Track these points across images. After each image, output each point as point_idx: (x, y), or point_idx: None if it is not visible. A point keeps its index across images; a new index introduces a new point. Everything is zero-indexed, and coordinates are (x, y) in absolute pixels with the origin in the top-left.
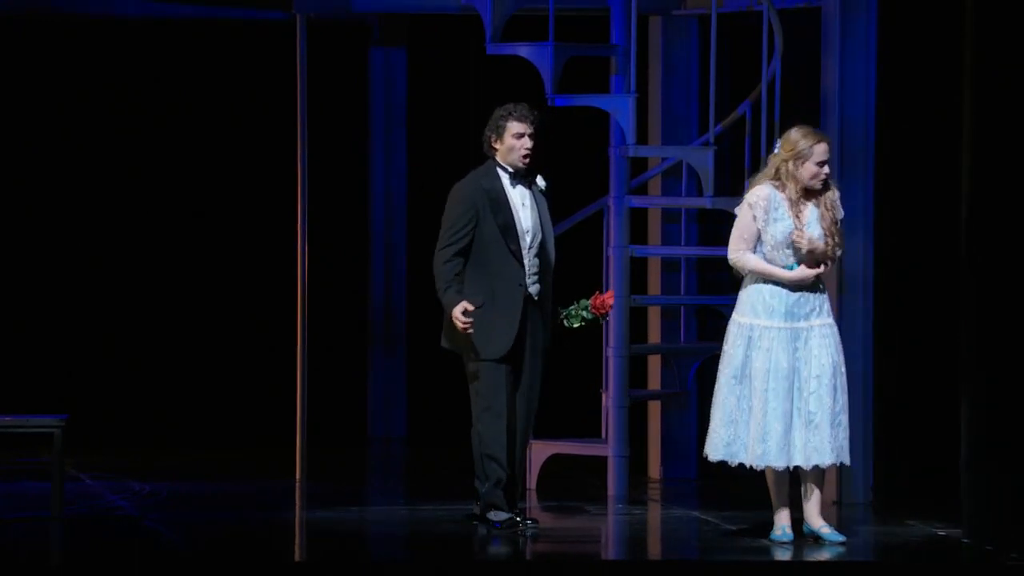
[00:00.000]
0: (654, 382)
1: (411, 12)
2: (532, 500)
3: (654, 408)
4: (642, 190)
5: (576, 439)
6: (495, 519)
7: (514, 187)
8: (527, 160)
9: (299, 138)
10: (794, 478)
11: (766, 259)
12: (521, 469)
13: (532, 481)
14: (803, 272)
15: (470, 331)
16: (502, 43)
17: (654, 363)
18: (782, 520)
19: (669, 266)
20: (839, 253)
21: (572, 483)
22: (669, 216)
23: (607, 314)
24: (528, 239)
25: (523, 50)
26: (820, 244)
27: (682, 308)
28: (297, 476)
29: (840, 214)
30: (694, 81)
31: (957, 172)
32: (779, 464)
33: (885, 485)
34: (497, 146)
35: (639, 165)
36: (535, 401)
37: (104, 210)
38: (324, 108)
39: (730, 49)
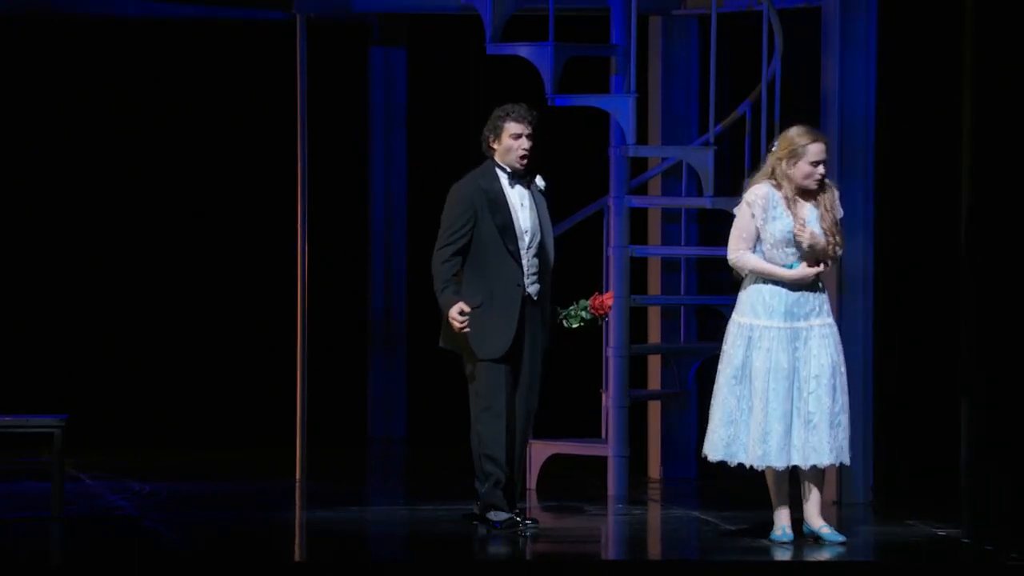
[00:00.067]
0: (654, 382)
1: (411, 12)
2: (532, 500)
3: (654, 408)
4: (642, 190)
5: (576, 439)
6: (495, 519)
7: (513, 187)
8: (525, 160)
9: (299, 138)
10: (794, 478)
11: (765, 258)
12: (521, 469)
13: (532, 481)
14: (803, 271)
15: (466, 331)
16: (502, 43)
17: (654, 363)
18: (782, 520)
19: (669, 266)
20: (839, 252)
21: (572, 483)
22: (669, 216)
23: (606, 315)
24: (527, 239)
25: (523, 50)
26: (821, 240)
27: (682, 308)
28: (297, 476)
29: (840, 213)
30: (694, 81)
31: (957, 172)
32: (779, 464)
33: (885, 485)
34: (495, 146)
35: (639, 165)
36: (535, 401)
37: (104, 210)
38: (324, 108)
39: (730, 49)
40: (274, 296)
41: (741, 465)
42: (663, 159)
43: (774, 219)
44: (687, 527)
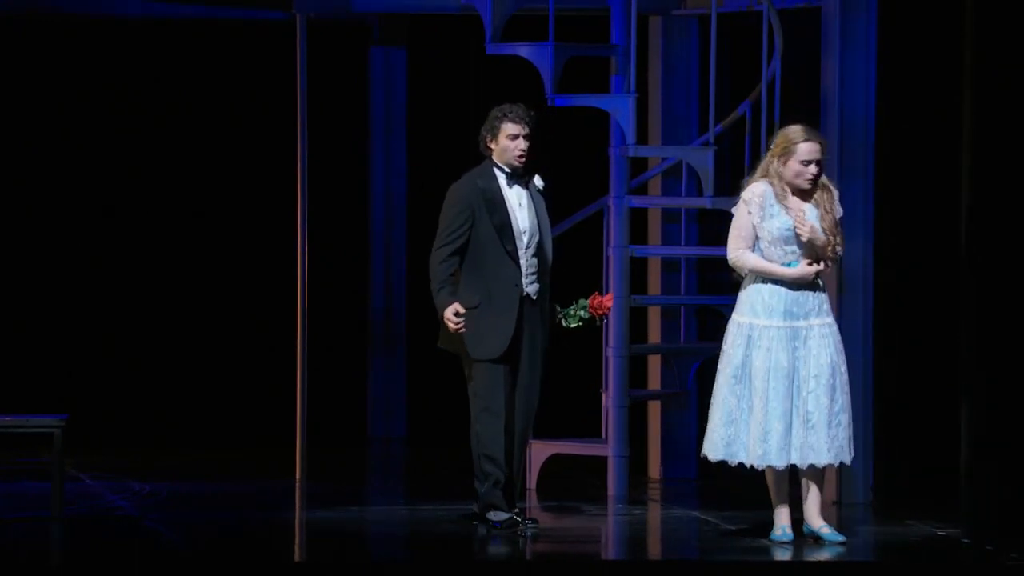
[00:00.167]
0: (654, 382)
1: (411, 12)
2: (532, 500)
3: (654, 408)
4: (642, 190)
5: (576, 439)
6: (495, 519)
7: (511, 187)
8: (522, 160)
9: (299, 138)
10: (794, 478)
11: (764, 256)
12: (521, 469)
13: (532, 481)
14: (803, 269)
15: (462, 331)
16: (502, 43)
17: (654, 363)
18: (782, 520)
19: (669, 266)
20: (840, 252)
21: (572, 483)
22: (669, 216)
23: (605, 315)
24: (525, 239)
25: (523, 50)
26: (821, 236)
27: (682, 308)
28: (297, 476)
29: (839, 213)
30: (694, 81)
31: (957, 172)
32: (779, 463)
33: (885, 485)
34: (492, 146)
35: (639, 165)
36: (534, 400)
37: (104, 210)
38: (324, 108)
39: (730, 49)
40: (274, 296)
41: (741, 465)
42: (663, 159)
43: (771, 216)
44: (687, 527)
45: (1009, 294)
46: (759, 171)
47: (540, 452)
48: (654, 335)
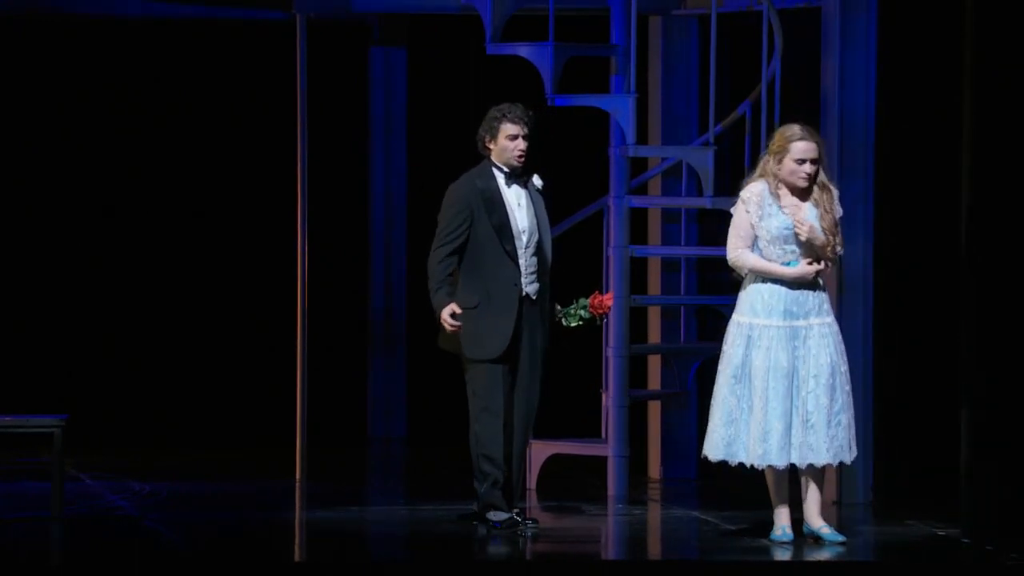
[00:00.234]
0: (654, 382)
1: (411, 12)
2: (532, 500)
3: (654, 408)
4: (642, 190)
5: (576, 439)
6: (495, 519)
7: (509, 187)
8: (521, 160)
9: (299, 138)
10: (794, 478)
11: (763, 255)
12: (521, 469)
13: (532, 481)
14: (803, 269)
15: (458, 332)
16: (502, 43)
17: (654, 363)
18: (782, 520)
19: (669, 266)
20: (840, 252)
21: (572, 483)
22: (669, 216)
23: (605, 315)
24: (524, 239)
25: (523, 50)
26: (820, 236)
27: (682, 308)
28: (297, 476)
29: (839, 213)
30: (694, 81)
31: (957, 172)
32: (779, 463)
33: (885, 485)
34: (491, 146)
35: (639, 165)
36: (535, 400)
37: (104, 210)
38: (324, 108)
39: (730, 49)
40: (274, 296)
41: (741, 465)
42: (663, 159)
43: (769, 216)
44: (687, 527)
45: (1009, 294)
46: (758, 170)
47: (540, 452)
48: (654, 335)
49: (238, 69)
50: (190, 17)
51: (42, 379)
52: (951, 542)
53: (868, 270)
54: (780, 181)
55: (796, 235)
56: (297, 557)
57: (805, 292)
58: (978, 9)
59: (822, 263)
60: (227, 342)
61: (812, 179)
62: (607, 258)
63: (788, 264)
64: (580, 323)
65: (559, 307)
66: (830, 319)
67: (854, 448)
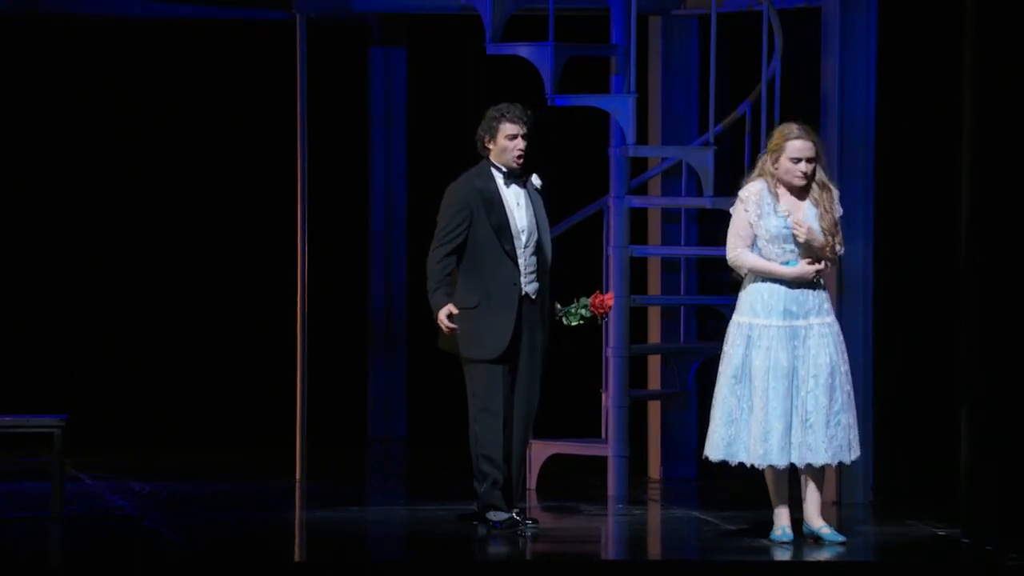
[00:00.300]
0: (654, 382)
1: (411, 12)
2: (532, 500)
3: (654, 408)
4: (642, 190)
5: (576, 439)
6: (495, 519)
7: (508, 187)
8: (521, 160)
9: (299, 138)
10: (794, 478)
11: (762, 255)
12: (521, 469)
13: (532, 481)
14: (803, 268)
15: (455, 333)
16: (502, 43)
17: (654, 363)
18: (782, 520)
19: (669, 266)
20: (840, 252)
21: (572, 483)
22: (669, 216)
23: (606, 314)
24: (524, 238)
25: (523, 50)
26: (819, 237)
27: (682, 308)
28: (297, 476)
29: (839, 212)
30: (694, 81)
31: (957, 172)
32: (780, 463)
33: (885, 485)
34: (490, 147)
35: (639, 165)
36: (535, 400)
37: (104, 210)
38: (324, 108)
39: (730, 49)
40: (274, 296)
41: (742, 464)
42: (663, 159)
43: (768, 215)
44: (687, 527)
45: (1009, 294)
46: (756, 170)
47: (540, 452)
48: (654, 335)
49: (238, 69)
50: (190, 17)
51: (42, 379)
52: (951, 542)
53: (868, 270)
54: (778, 180)
55: (795, 235)
56: (297, 557)
57: (805, 292)
58: (978, 9)
59: (822, 263)
60: (227, 342)
61: (809, 178)
62: (607, 258)
63: (787, 264)
64: (581, 322)
65: (559, 306)
66: (830, 319)
67: (856, 448)
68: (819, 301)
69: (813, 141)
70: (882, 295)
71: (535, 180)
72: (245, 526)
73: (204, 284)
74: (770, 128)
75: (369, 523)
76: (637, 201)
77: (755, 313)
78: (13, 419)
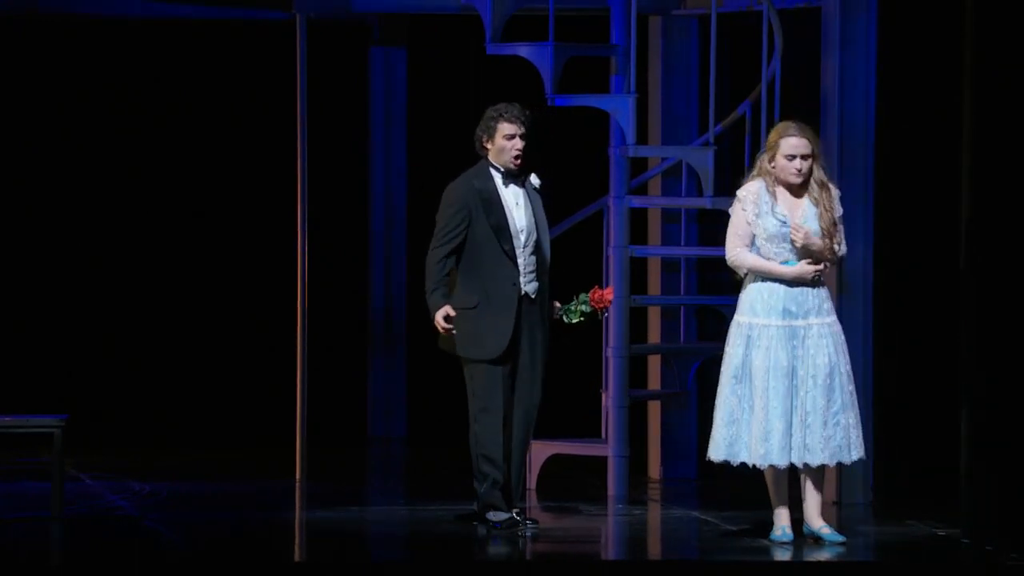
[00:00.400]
0: (654, 382)
1: (411, 12)
2: (532, 500)
3: (654, 408)
4: (642, 190)
5: (576, 439)
6: (495, 519)
7: (507, 187)
8: (519, 161)
9: (299, 138)
10: (794, 478)
11: (761, 254)
12: (521, 469)
13: (532, 481)
14: (802, 268)
15: (453, 333)
16: (502, 43)
17: (654, 363)
18: (782, 520)
19: (669, 266)
20: (839, 251)
21: (572, 483)
22: (669, 216)
23: (606, 309)
24: (523, 238)
25: (523, 50)
26: (817, 241)
27: (682, 308)
28: (297, 476)
29: (839, 212)
30: (694, 81)
31: (957, 172)
32: (780, 463)
33: (885, 485)
34: (488, 146)
35: (639, 165)
36: (536, 400)
37: (104, 210)
38: (324, 108)
39: (730, 49)
40: (274, 296)
41: (743, 464)
42: (663, 159)
43: (766, 214)
44: (687, 527)
45: (1009, 294)
46: (755, 169)
47: (540, 452)
48: (654, 335)
49: (238, 69)
50: (190, 17)
51: (42, 379)
52: (951, 542)
53: (868, 270)
54: (776, 179)
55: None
56: (297, 557)
57: (805, 292)
58: (978, 9)
59: (821, 263)
60: (227, 342)
61: (805, 176)
62: (607, 258)
63: (787, 263)
64: (581, 319)
65: (559, 305)
66: (831, 319)
67: (857, 449)
68: (819, 301)
69: (808, 138)
70: (882, 295)
71: (534, 180)
72: (245, 526)
73: (204, 284)
74: (770, 128)
75: (369, 523)
76: (637, 201)
77: (755, 313)
78: (13, 419)
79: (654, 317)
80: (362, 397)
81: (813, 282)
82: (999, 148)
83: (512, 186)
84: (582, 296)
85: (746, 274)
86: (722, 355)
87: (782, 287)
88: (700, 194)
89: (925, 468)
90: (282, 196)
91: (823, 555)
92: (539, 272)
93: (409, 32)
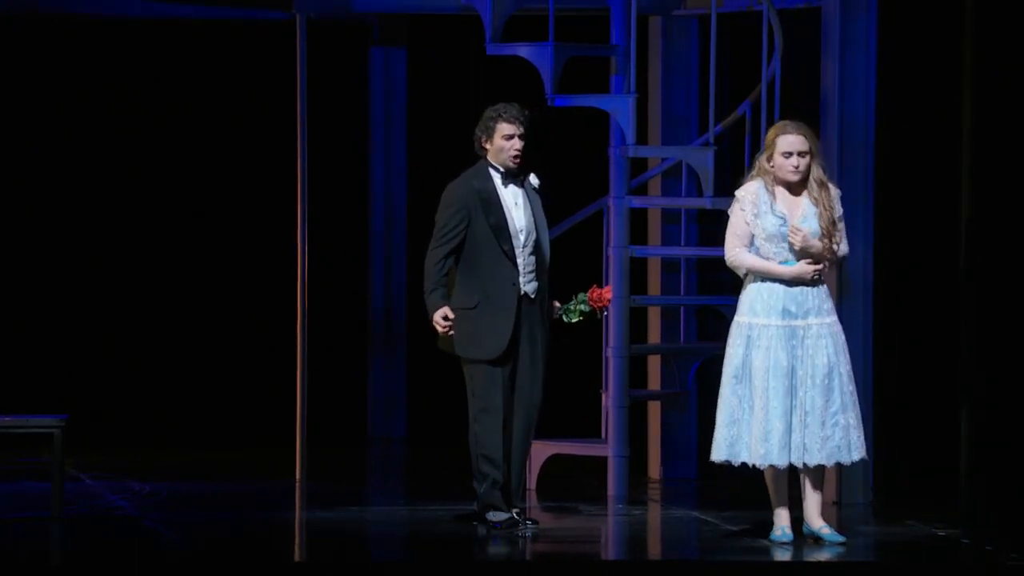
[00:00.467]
0: (654, 382)
1: (411, 12)
2: (532, 500)
3: (654, 408)
4: (642, 190)
5: (576, 439)
6: (494, 519)
7: (506, 187)
8: (518, 160)
9: (299, 138)
10: (794, 478)
11: (760, 254)
12: (522, 469)
13: (532, 481)
14: (801, 268)
15: (450, 334)
16: (502, 43)
17: (654, 363)
18: (782, 520)
19: (669, 266)
20: (839, 251)
21: (572, 483)
22: (669, 216)
23: (605, 308)
24: (522, 238)
25: (523, 50)
26: (815, 243)
27: (682, 308)
28: (297, 476)
29: (839, 211)
30: (694, 81)
31: (957, 172)
32: (780, 463)
33: (885, 485)
34: (487, 146)
35: (639, 165)
36: (536, 400)
37: (104, 210)
38: (324, 108)
39: (730, 49)
40: (274, 296)
41: (744, 464)
42: (663, 159)
43: (765, 213)
44: (687, 527)
45: (1009, 294)
46: (754, 169)
47: (540, 452)
48: (654, 335)
49: (238, 69)
50: (190, 17)
51: (42, 379)
52: (951, 542)
53: (868, 270)
54: (775, 178)
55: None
56: (297, 557)
57: (804, 291)
58: (978, 9)
59: (820, 263)
60: (227, 342)
61: (803, 173)
62: (607, 258)
63: (786, 263)
64: (581, 318)
65: (558, 305)
66: (831, 319)
67: (859, 449)
68: (819, 301)
69: (805, 135)
70: (882, 295)
71: (533, 179)
72: (245, 526)
73: (204, 284)
74: (770, 128)
75: (369, 523)
76: (637, 201)
77: (755, 313)
78: (13, 419)
79: (654, 317)
80: (362, 397)
81: (812, 282)
82: (999, 148)
83: (511, 186)
84: (581, 296)
85: (746, 274)
86: (722, 355)
87: (781, 287)
88: (700, 194)
89: (925, 468)
90: (282, 196)
91: (823, 555)
92: (539, 272)
93: (409, 32)
